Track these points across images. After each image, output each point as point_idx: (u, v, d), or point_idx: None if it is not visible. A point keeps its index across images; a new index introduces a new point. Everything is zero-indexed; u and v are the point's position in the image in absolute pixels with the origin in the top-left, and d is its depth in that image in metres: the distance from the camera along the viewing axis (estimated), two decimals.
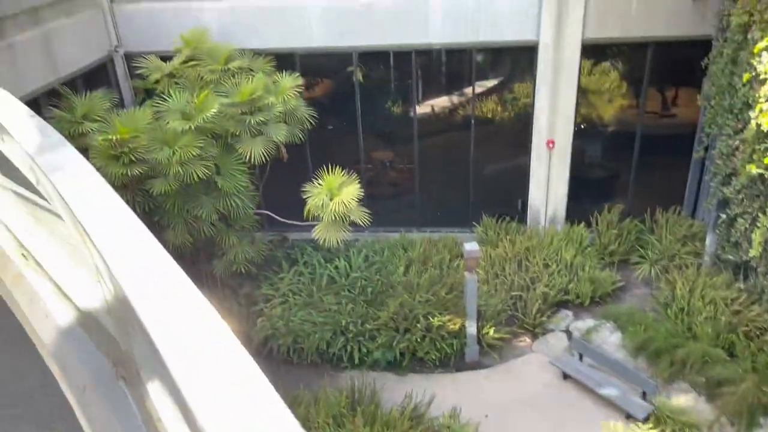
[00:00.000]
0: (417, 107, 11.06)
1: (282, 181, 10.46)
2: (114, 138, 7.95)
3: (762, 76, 7.48)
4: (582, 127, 10.84)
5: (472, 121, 10.99)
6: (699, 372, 8.26)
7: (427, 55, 10.60)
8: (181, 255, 8.79)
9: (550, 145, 10.61)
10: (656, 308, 9.49)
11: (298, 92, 9.48)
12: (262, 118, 8.76)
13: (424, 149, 11.30)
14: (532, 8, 9.80)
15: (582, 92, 10.53)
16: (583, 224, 10.85)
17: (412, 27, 10.09)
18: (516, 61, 10.66)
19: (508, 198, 11.46)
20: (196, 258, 9.56)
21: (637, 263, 10.25)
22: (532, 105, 10.55)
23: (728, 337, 8.46)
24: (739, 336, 8.42)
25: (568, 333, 9.52)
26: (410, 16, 10.01)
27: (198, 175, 8.34)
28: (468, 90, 10.93)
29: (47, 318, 1.96)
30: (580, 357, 8.85)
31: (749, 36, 7.95)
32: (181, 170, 8.22)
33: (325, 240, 8.89)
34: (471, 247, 8.58)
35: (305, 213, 9.09)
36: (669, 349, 8.51)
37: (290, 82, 9.32)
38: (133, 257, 1.28)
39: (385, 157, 11.77)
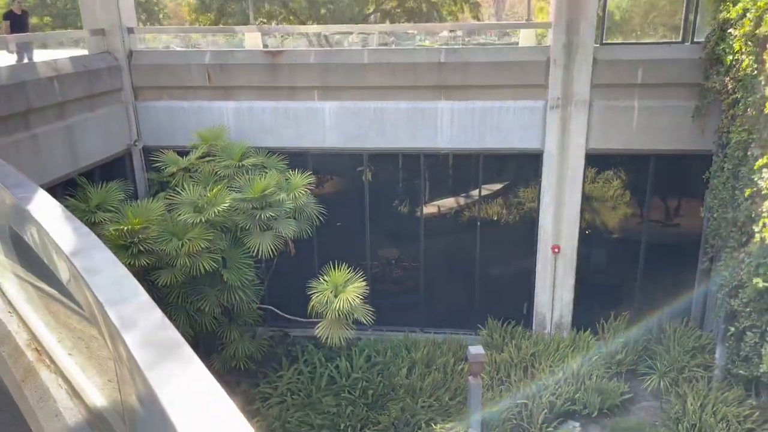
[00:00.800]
0: (424, 207, 11.26)
1: (287, 276, 10.47)
2: (125, 228, 8.07)
3: (764, 192, 7.66)
4: (587, 233, 10.97)
5: (478, 223, 11.14)
6: None
7: (435, 157, 10.94)
8: None
9: (556, 250, 10.69)
10: (667, 423, 9.13)
11: (309, 189, 9.70)
12: (272, 214, 8.91)
13: (429, 249, 11.38)
14: (537, 120, 10.22)
15: (586, 199, 10.75)
16: (589, 331, 10.70)
17: (422, 132, 10.48)
18: (521, 166, 10.97)
19: (514, 301, 11.39)
20: (195, 352, 9.36)
21: (645, 374, 9.99)
22: (537, 210, 10.74)
23: None
24: None
25: None
26: (420, 122, 10.43)
27: (205, 267, 8.38)
28: (474, 192, 11.17)
29: (57, 417, 1.91)
30: None
31: (749, 153, 8.23)
32: (188, 262, 8.27)
33: (327, 338, 8.76)
34: (476, 350, 8.41)
35: (309, 309, 9.02)
36: None
37: (302, 180, 9.57)
38: (166, 363, 1.28)
39: (391, 255, 11.82)
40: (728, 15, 8.50)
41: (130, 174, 10.88)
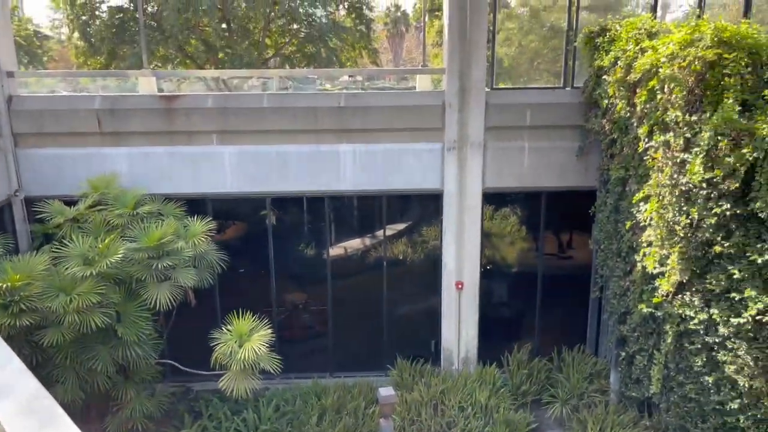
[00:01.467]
0: (330, 249, 11.22)
1: (188, 328, 10.01)
2: (4, 285, 7.42)
3: (642, 224, 8.30)
4: (488, 268, 11.35)
5: (384, 263, 11.24)
6: None
7: (339, 200, 10.99)
8: (68, 414, 7.95)
9: (459, 286, 10.96)
10: None
11: (209, 236, 9.40)
12: (170, 263, 8.53)
13: (337, 291, 11.31)
14: (436, 161, 10.56)
15: (486, 235, 11.16)
16: (495, 364, 10.96)
17: (325, 175, 10.53)
18: (424, 206, 11.24)
19: (422, 339, 11.50)
20: (86, 416, 8.67)
21: (548, 403, 10.33)
22: (440, 248, 11.01)
23: None
24: None
25: None
26: (323, 165, 10.48)
27: (96, 324, 7.83)
28: (379, 233, 11.29)
29: None
30: None
31: (627, 188, 8.91)
32: (77, 318, 7.70)
33: (232, 390, 8.40)
34: (386, 392, 8.38)
35: (212, 361, 8.64)
36: None
37: (201, 226, 9.26)
38: None
39: (298, 300, 11.63)
40: (602, 63, 9.28)
41: (11, 226, 10.08)
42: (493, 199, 11.06)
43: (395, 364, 11.18)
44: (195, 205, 10.25)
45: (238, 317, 8.77)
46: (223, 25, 20.98)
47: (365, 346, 11.61)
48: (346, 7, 22.19)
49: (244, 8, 20.16)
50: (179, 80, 16.55)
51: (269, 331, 8.74)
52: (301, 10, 20.32)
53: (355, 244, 11.47)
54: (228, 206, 10.90)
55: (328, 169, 10.53)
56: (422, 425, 9.67)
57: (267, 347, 8.47)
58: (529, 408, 10.31)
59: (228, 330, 8.67)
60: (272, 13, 20.22)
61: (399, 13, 34.78)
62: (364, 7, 22.33)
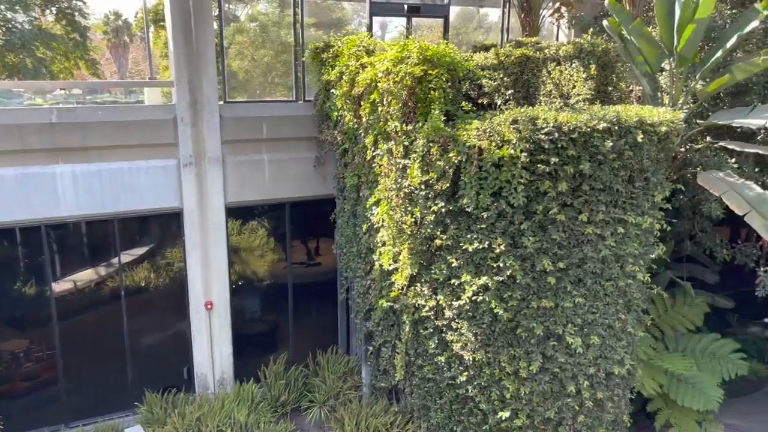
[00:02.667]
0: (54, 285, 9.88)
1: None
2: None
3: (376, 225, 8.97)
4: (240, 284, 11.15)
5: (122, 293, 10.30)
6: None
7: (61, 228, 9.74)
8: None
9: (209, 306, 10.57)
10: None
11: None
12: None
13: (66, 331, 10.00)
14: (172, 178, 10.04)
15: (234, 251, 10.95)
16: (252, 380, 10.82)
17: (39, 201, 9.25)
18: (164, 226, 10.58)
19: (173, 368, 10.80)
20: None
21: (307, 408, 10.55)
22: (186, 269, 10.48)
23: None
24: None
25: None
26: (36, 190, 9.19)
27: None
28: (114, 260, 10.30)
29: None
30: None
31: (361, 193, 9.55)
32: None
33: None
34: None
35: None
36: None
37: None
38: None
39: (16, 347, 9.99)
40: (329, 77, 9.80)
41: None
42: (238, 213, 10.92)
43: (144, 399, 10.31)
44: None
45: None
46: None
47: (107, 387, 10.47)
48: (54, 12, 19.81)
49: None
50: None
51: None
52: None
53: (86, 275, 10.29)
54: None
55: (43, 194, 9.27)
56: None
57: None
58: (289, 417, 10.41)
59: None
60: None
61: (120, 22, 32.24)
62: (77, 14, 20.18)
